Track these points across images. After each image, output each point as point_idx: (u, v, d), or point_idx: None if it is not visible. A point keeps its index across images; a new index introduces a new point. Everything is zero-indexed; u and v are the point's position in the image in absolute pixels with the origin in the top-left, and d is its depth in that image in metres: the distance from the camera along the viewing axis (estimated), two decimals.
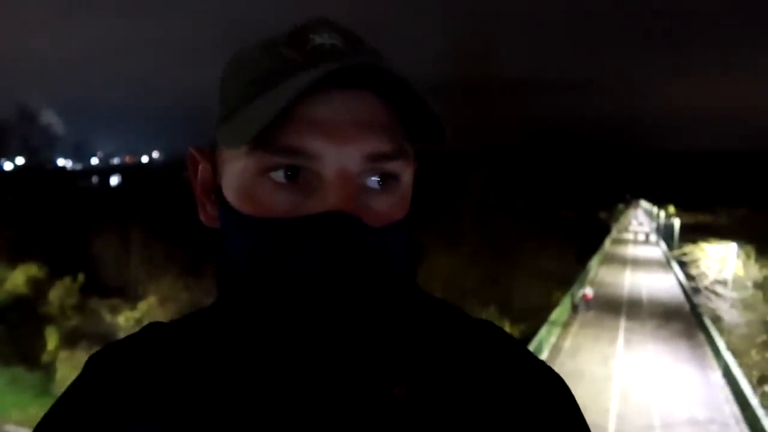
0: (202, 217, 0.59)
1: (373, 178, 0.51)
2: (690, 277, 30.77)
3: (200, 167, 0.59)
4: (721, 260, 26.98)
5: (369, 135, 0.49)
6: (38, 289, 23.90)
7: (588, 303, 26.35)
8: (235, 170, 0.52)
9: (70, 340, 20.36)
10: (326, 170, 0.49)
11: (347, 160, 0.49)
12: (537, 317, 22.37)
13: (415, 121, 0.52)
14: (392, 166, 0.51)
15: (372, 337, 0.53)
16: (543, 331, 20.47)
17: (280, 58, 0.51)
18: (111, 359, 0.60)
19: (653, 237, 63.10)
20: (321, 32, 0.52)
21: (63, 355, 19.45)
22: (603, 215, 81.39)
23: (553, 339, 21.85)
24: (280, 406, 0.52)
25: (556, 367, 0.62)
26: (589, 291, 27.07)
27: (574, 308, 26.12)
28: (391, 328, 0.56)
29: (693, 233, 39.30)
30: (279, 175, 0.50)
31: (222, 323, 0.58)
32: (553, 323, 22.75)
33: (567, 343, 21.90)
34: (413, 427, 0.52)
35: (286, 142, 0.48)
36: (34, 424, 0.56)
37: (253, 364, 0.53)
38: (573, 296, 26.72)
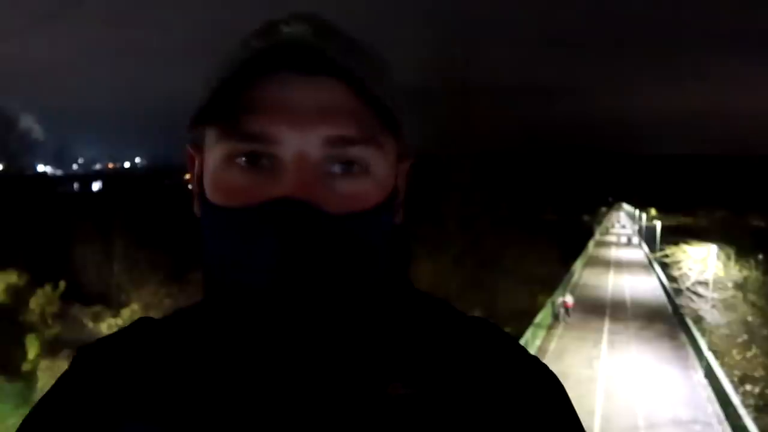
0: (195, 210, 0.59)
1: (339, 164, 0.51)
2: (672, 279, 31.12)
3: (195, 162, 0.60)
4: (702, 261, 27.32)
5: (330, 119, 0.49)
6: (18, 297, 23.49)
7: (568, 310, 25.75)
8: (209, 159, 0.53)
9: (51, 349, 20.03)
10: (286, 155, 0.49)
11: (307, 144, 0.49)
12: (522, 320, 22.46)
13: (379, 110, 0.51)
14: (357, 151, 0.51)
15: (353, 331, 0.53)
16: (528, 334, 20.57)
17: (248, 48, 0.51)
18: (100, 353, 0.59)
19: (635, 239, 63.75)
20: (293, 24, 0.51)
21: (44, 364, 19.12)
22: (586, 218, 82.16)
23: (538, 342, 21.97)
24: (271, 403, 0.52)
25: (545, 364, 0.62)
26: (569, 299, 26.43)
27: (555, 317, 25.63)
28: (380, 324, 0.56)
29: (674, 235, 39.76)
30: (243, 161, 0.50)
31: (209, 319, 0.58)
32: (538, 326, 22.87)
33: (552, 346, 22.04)
34: (408, 424, 0.52)
35: (246, 128, 0.49)
36: None
37: (242, 360, 0.53)
38: (553, 305, 26.21)
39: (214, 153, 0.52)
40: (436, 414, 0.53)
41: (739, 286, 23.89)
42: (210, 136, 0.53)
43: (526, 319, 22.69)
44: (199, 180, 0.58)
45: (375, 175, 0.53)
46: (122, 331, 0.62)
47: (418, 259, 21.75)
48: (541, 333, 23.02)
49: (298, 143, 0.49)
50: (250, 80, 0.49)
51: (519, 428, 0.55)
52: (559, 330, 24.12)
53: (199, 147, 0.59)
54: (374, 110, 0.51)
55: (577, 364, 19.77)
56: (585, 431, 0.59)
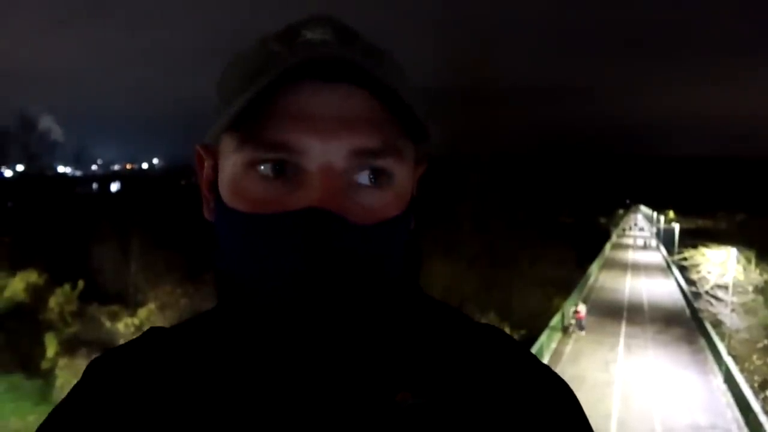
0: (205, 213, 0.59)
1: (363, 174, 0.51)
2: (690, 282, 30.75)
3: (205, 164, 0.59)
4: (721, 265, 26.95)
5: (356, 130, 0.49)
6: (38, 296, 23.85)
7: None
8: (228, 165, 0.52)
9: (69, 347, 20.30)
10: (311, 165, 0.49)
11: (332, 155, 0.48)
12: (537, 323, 22.32)
13: (402, 118, 0.51)
14: (381, 162, 0.50)
15: (369, 340, 0.53)
16: (543, 337, 20.41)
17: (268, 53, 0.50)
18: (111, 365, 0.60)
19: (653, 242, 63.09)
20: (314, 28, 0.51)
21: (62, 362, 19.39)
22: (603, 220, 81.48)
23: (553, 344, 21.79)
24: (280, 413, 0.51)
25: (557, 373, 0.61)
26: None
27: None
28: (391, 331, 0.56)
29: (693, 238, 39.32)
30: (266, 170, 0.50)
31: (221, 327, 0.57)
32: (554, 328, 22.68)
33: (568, 349, 21.85)
34: None
35: (270, 137, 0.48)
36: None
37: (253, 370, 0.53)
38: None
39: (234, 159, 0.51)
40: (445, 424, 0.52)
41: (760, 290, 23.56)
42: (229, 141, 0.52)
43: (541, 321, 22.54)
44: (209, 183, 0.58)
45: (396, 184, 0.53)
46: (133, 342, 0.62)
47: (434, 260, 21.72)
48: (557, 336, 22.83)
49: (324, 154, 0.48)
50: (275, 90, 0.48)
51: None
52: (575, 333, 23.89)
53: (210, 149, 0.58)
54: (401, 119, 0.51)
55: (593, 367, 19.58)
56: None
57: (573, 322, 23.68)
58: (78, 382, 0.60)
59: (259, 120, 0.48)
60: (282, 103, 0.48)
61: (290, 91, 0.48)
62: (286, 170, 0.49)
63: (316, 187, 0.48)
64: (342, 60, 0.48)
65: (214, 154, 0.57)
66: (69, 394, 0.59)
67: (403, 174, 0.53)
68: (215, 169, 0.57)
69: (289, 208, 0.48)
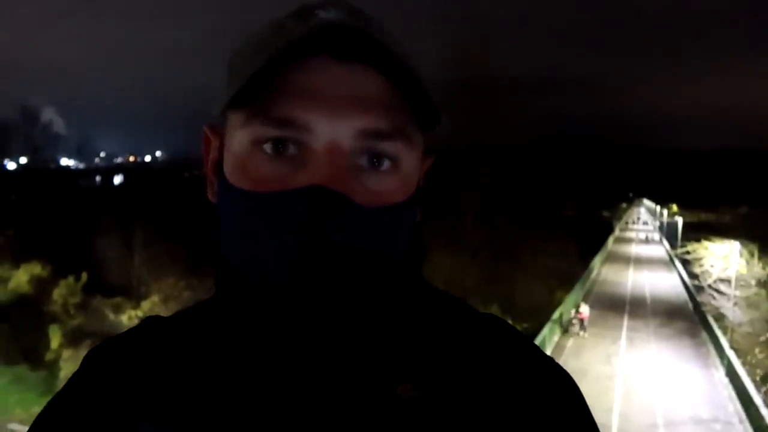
0: (209, 195, 0.58)
1: (369, 158, 0.50)
2: (693, 276, 30.67)
3: (212, 145, 0.59)
4: (724, 258, 26.85)
5: (364, 111, 0.48)
6: (42, 288, 23.96)
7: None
8: (233, 143, 0.51)
9: (73, 339, 20.40)
10: (317, 143, 0.47)
11: (339, 133, 0.47)
12: (540, 316, 22.30)
13: (414, 102, 0.51)
14: (388, 146, 0.49)
15: (370, 329, 0.52)
16: (546, 330, 20.39)
17: (282, 32, 0.49)
18: (110, 354, 0.59)
19: (655, 236, 63.00)
20: (328, 9, 0.50)
21: (66, 353, 19.50)
22: (606, 214, 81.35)
23: (555, 338, 21.80)
24: (279, 404, 0.51)
25: (560, 364, 0.61)
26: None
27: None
28: (392, 321, 0.55)
29: (696, 231, 39.17)
30: (270, 148, 0.49)
31: (219, 316, 0.57)
32: (556, 321, 22.66)
33: (570, 342, 21.86)
34: (418, 427, 0.51)
35: (277, 113, 0.47)
36: None
37: (252, 360, 0.53)
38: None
39: (240, 137, 0.50)
40: (447, 416, 0.51)
41: (763, 283, 23.46)
42: (236, 119, 0.51)
43: (543, 314, 22.51)
44: (214, 165, 0.57)
45: (402, 171, 0.52)
46: (131, 331, 0.62)
47: (436, 252, 21.72)
48: (559, 329, 22.83)
49: (331, 132, 0.47)
50: (285, 65, 0.47)
51: (532, 430, 0.53)
52: (576, 327, 23.89)
53: (216, 130, 0.58)
54: (413, 104, 0.50)
55: (595, 360, 19.60)
56: None
57: (575, 323, 22.73)
58: (76, 372, 0.59)
59: (266, 95, 0.47)
60: (291, 80, 0.47)
61: (301, 68, 0.48)
62: (289, 148, 0.48)
63: (321, 166, 0.47)
64: (356, 33, 0.47)
65: (220, 135, 0.56)
66: (67, 383, 0.59)
67: (410, 160, 0.52)
68: (221, 150, 0.56)
69: (293, 186, 0.47)
